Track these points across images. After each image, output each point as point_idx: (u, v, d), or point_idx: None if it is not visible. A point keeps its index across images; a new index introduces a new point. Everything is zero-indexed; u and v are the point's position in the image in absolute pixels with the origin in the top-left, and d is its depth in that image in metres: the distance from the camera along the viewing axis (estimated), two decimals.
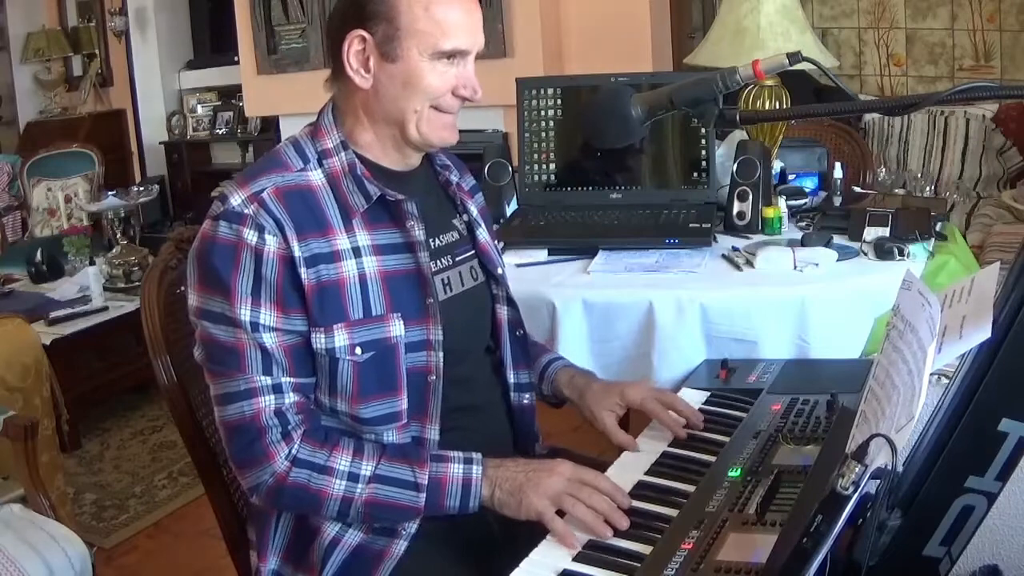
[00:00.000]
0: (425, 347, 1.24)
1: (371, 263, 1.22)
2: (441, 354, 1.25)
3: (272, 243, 1.16)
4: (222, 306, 1.17)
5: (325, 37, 1.29)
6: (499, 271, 1.40)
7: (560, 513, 1.14)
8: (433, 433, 1.26)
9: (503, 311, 1.40)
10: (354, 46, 1.21)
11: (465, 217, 1.39)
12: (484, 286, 1.39)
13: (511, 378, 1.40)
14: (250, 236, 1.16)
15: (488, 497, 1.18)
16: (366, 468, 1.18)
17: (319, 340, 1.19)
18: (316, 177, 1.23)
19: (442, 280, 1.31)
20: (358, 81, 1.22)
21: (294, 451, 1.18)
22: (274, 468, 1.17)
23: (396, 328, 1.22)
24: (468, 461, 1.20)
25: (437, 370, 1.25)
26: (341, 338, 1.19)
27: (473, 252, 1.38)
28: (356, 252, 1.21)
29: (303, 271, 1.17)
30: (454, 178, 1.39)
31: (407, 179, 1.30)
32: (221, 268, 1.16)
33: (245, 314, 1.16)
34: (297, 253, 1.17)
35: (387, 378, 1.22)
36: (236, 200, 1.18)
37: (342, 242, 1.21)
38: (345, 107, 1.27)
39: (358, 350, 1.20)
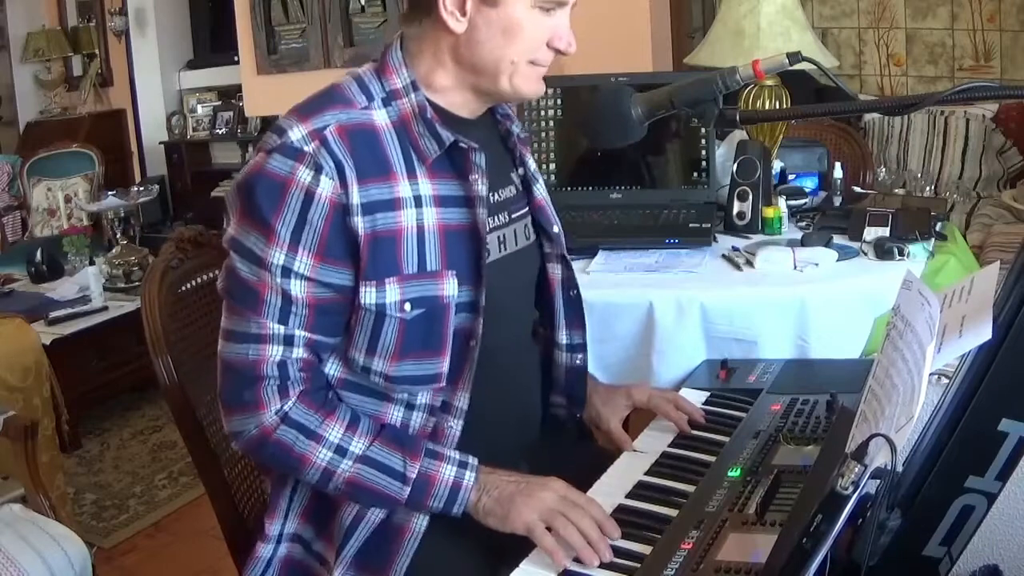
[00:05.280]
0: (472, 309, 1.18)
1: (431, 215, 1.15)
2: (482, 318, 1.19)
3: (327, 186, 1.09)
4: (256, 243, 1.11)
5: None
6: (555, 229, 1.34)
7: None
8: (463, 401, 1.20)
9: (556, 270, 1.35)
10: None
11: (522, 171, 1.33)
12: (534, 247, 1.33)
13: (563, 339, 1.37)
14: (304, 175, 1.09)
15: (474, 503, 1.14)
16: (356, 445, 1.14)
17: (369, 295, 1.13)
18: (380, 117, 1.16)
19: (498, 238, 1.25)
20: (452, 24, 1.14)
21: (287, 408, 1.14)
22: (261, 419, 1.14)
23: (450, 287, 1.16)
24: (463, 465, 1.16)
25: (477, 335, 1.19)
26: (392, 293, 1.13)
27: (527, 210, 1.32)
28: (417, 201, 1.15)
29: (359, 219, 1.11)
30: (515, 128, 1.32)
31: (472, 127, 1.22)
32: (265, 205, 1.10)
33: (279, 258, 1.10)
34: (355, 200, 1.10)
35: (433, 338, 1.17)
36: (296, 135, 1.10)
37: (404, 189, 1.14)
38: (423, 49, 1.19)
39: (408, 306, 1.14)
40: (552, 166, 2.15)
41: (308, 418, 1.14)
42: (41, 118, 6.15)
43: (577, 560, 1.07)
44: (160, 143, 5.91)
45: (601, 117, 1.24)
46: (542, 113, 2.14)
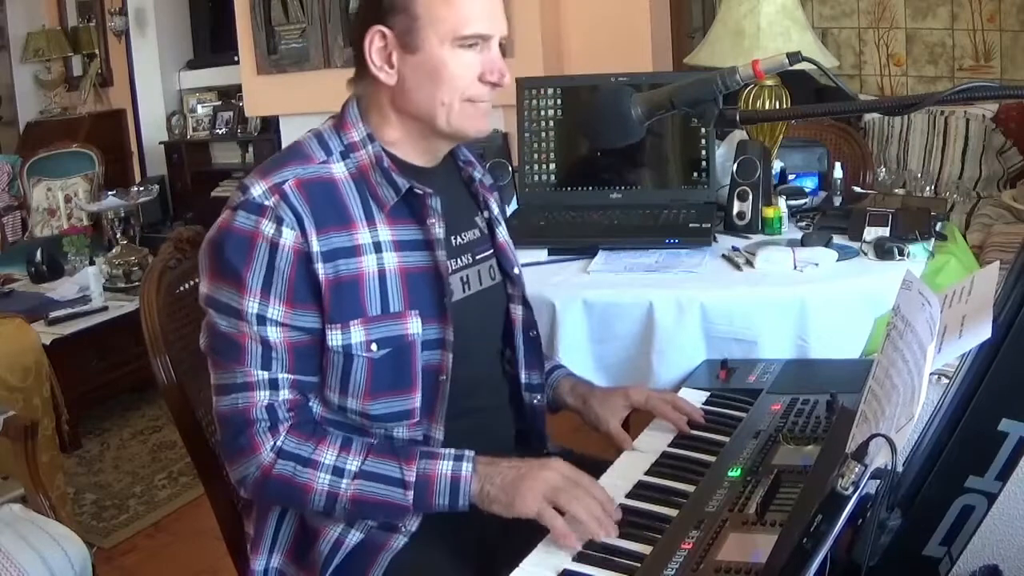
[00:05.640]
0: (440, 346, 1.24)
1: (391, 259, 1.21)
2: (451, 354, 1.24)
3: (289, 237, 1.15)
4: (231, 297, 1.17)
5: (349, 40, 1.29)
6: (515, 271, 1.40)
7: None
8: (439, 433, 1.25)
9: (518, 311, 1.40)
10: (375, 43, 1.20)
11: (486, 214, 1.39)
12: (500, 286, 1.38)
13: (523, 378, 1.40)
14: (268, 228, 1.15)
15: (477, 493, 1.16)
16: (352, 463, 1.17)
17: (335, 337, 1.18)
18: (339, 170, 1.22)
19: (461, 278, 1.30)
20: (383, 78, 1.21)
21: (279, 443, 1.18)
22: (259, 460, 1.17)
23: (414, 325, 1.21)
24: (458, 458, 1.18)
25: (447, 370, 1.24)
26: (358, 334, 1.19)
27: (492, 251, 1.38)
28: (377, 247, 1.21)
29: (320, 266, 1.16)
30: (477, 174, 1.38)
31: (431, 175, 1.28)
32: (235, 259, 1.16)
33: (253, 307, 1.16)
34: (315, 248, 1.16)
35: (402, 376, 1.22)
36: (257, 191, 1.17)
37: (363, 236, 1.20)
38: (371, 106, 1.26)
39: (374, 346, 1.20)
40: (552, 166, 2.16)
41: (301, 448, 1.18)
42: (41, 118, 6.15)
43: (580, 559, 1.07)
44: (160, 143, 5.91)
45: (601, 117, 1.24)
46: (542, 113, 2.14)
